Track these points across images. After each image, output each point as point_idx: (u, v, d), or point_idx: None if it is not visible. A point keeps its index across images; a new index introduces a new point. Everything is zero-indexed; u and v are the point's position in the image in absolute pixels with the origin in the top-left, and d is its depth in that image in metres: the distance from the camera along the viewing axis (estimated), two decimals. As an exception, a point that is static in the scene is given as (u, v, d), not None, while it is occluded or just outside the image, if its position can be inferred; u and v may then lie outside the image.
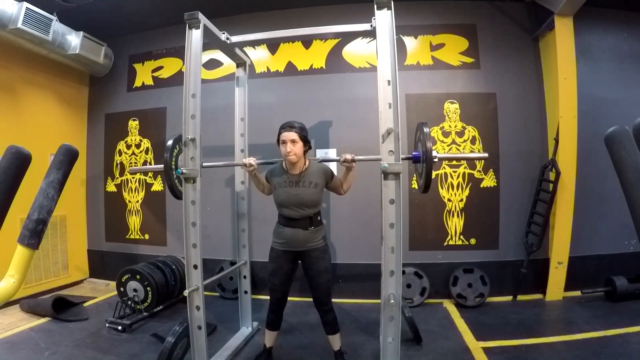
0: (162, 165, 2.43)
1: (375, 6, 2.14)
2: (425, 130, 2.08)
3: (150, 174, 4.65)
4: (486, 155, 2.42)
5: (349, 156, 2.24)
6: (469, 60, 4.05)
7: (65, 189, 1.65)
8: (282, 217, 2.43)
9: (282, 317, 2.56)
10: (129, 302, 3.49)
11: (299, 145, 2.33)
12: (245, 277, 3.15)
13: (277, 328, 2.57)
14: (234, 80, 3.22)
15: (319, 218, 2.43)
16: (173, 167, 2.45)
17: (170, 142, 2.45)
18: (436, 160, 2.05)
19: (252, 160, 2.40)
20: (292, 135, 2.31)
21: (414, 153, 2.22)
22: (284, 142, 2.32)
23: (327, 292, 2.42)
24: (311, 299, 2.46)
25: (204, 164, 2.47)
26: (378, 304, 2.34)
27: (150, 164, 4.63)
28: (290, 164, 2.37)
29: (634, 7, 4.01)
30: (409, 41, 4.12)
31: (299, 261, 2.45)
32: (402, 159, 2.09)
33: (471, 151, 3.95)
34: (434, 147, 3.96)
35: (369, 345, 2.86)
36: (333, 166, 3.67)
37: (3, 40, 3.62)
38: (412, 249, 3.97)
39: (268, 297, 2.52)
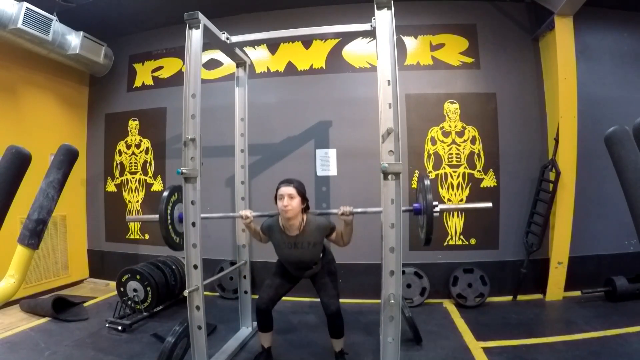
0: (157, 216, 2.41)
1: (375, 6, 2.14)
2: (427, 182, 2.14)
3: (150, 174, 4.65)
4: (490, 205, 2.39)
5: (346, 209, 2.27)
6: (469, 60, 4.05)
7: (65, 189, 1.65)
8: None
9: (272, 318, 2.53)
10: (129, 302, 3.49)
11: (297, 200, 2.30)
12: (245, 277, 3.15)
13: (269, 329, 2.55)
14: (234, 80, 3.22)
15: (321, 255, 2.50)
16: (169, 218, 2.45)
17: (166, 193, 2.45)
18: (437, 212, 2.09)
19: (248, 212, 2.46)
20: (290, 190, 2.30)
21: (414, 205, 2.27)
22: (282, 196, 2.30)
23: (335, 293, 2.45)
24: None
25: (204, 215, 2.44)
26: (378, 304, 2.34)
27: (150, 164, 4.64)
28: (287, 220, 2.34)
29: (634, 7, 4.01)
30: (409, 41, 4.12)
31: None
32: (403, 211, 2.09)
33: (471, 151, 3.96)
34: (433, 147, 4.00)
35: (369, 345, 2.85)
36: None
37: (3, 40, 3.61)
38: (412, 249, 3.96)
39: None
